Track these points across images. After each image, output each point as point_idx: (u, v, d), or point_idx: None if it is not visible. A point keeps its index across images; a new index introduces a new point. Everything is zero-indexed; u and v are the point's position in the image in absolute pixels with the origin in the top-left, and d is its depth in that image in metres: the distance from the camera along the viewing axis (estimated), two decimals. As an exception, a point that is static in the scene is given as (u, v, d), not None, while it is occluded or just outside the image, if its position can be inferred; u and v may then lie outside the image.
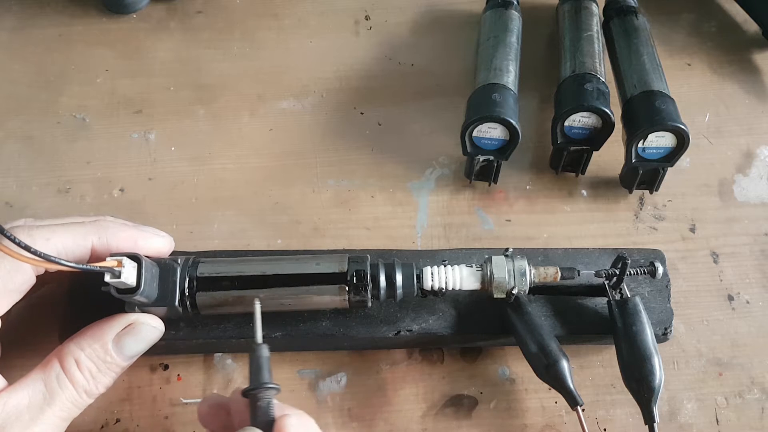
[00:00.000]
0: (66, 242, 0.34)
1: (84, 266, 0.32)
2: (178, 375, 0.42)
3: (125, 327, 0.35)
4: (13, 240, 0.29)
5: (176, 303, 0.36)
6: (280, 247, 0.47)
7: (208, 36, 0.58)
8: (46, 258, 0.30)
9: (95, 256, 0.35)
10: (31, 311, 0.34)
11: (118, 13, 0.59)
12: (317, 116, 0.54)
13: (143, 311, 0.37)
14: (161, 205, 0.48)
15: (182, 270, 0.37)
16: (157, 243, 0.38)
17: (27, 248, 0.30)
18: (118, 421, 0.40)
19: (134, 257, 0.34)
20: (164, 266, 0.37)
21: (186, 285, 0.37)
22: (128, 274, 0.33)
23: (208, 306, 0.38)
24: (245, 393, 0.33)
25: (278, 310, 0.39)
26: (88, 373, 0.33)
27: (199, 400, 0.40)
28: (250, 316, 0.40)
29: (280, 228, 0.48)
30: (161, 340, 0.38)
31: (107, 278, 0.33)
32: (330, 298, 0.38)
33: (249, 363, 0.34)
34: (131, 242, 0.36)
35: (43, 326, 0.41)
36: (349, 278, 0.37)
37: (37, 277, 0.35)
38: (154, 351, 0.40)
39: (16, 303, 0.34)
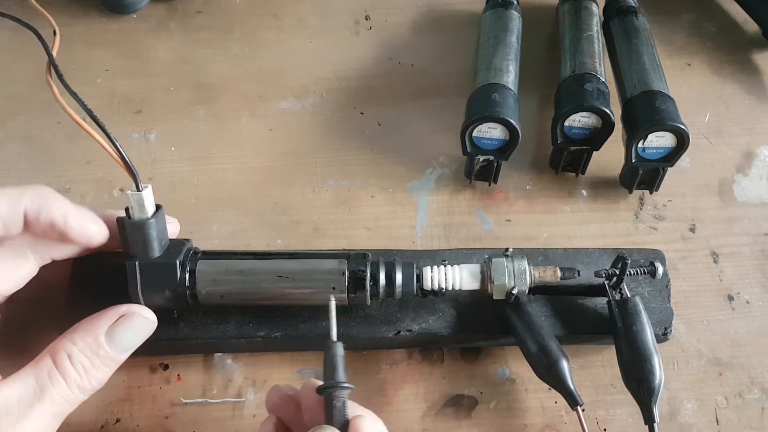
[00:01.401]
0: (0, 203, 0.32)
1: (125, 155, 0.34)
2: (178, 375, 0.42)
3: (117, 319, 0.35)
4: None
5: (178, 261, 0.37)
6: (280, 247, 0.47)
7: (208, 36, 0.58)
8: (102, 127, 0.32)
9: (28, 228, 0.34)
10: (31, 309, 0.34)
11: (118, 13, 0.59)
12: (317, 116, 0.54)
13: (143, 281, 0.36)
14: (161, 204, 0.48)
15: (189, 247, 0.39)
16: (88, 227, 0.35)
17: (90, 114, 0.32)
18: (118, 421, 0.40)
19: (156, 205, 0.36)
20: (175, 240, 0.38)
21: (191, 252, 0.38)
22: (149, 198, 0.35)
23: (208, 280, 0.37)
24: (320, 390, 0.32)
25: (278, 303, 0.39)
26: (81, 368, 0.33)
27: (199, 400, 0.41)
28: (250, 314, 0.41)
29: (280, 228, 0.48)
30: (161, 340, 0.38)
31: (129, 191, 0.35)
32: (329, 295, 0.38)
33: (324, 360, 0.33)
34: (60, 216, 0.34)
35: (43, 325, 0.41)
36: (349, 275, 0.38)
37: (40, 268, 0.35)
38: (154, 351, 0.40)
39: (18, 291, 0.34)
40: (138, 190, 0.35)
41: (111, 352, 0.34)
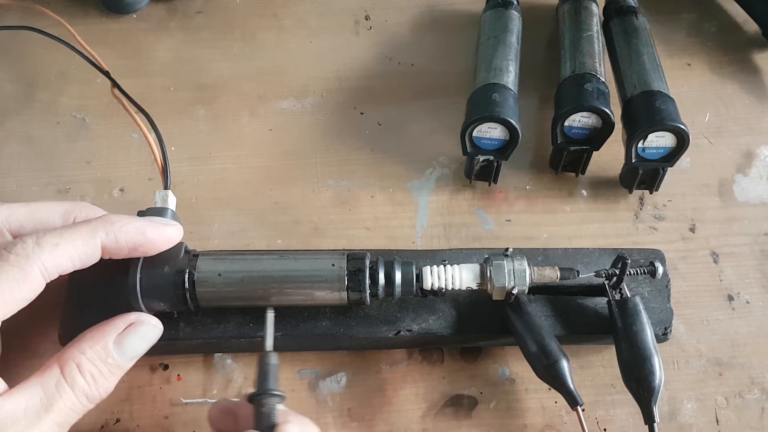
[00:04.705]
0: (76, 246, 0.34)
1: (167, 158, 0.42)
2: (178, 375, 0.42)
3: (126, 327, 0.35)
4: None
5: (181, 253, 0.38)
6: (280, 247, 0.47)
7: (208, 36, 0.58)
8: None
9: (106, 254, 0.35)
10: (31, 312, 0.34)
11: (118, 13, 0.59)
12: (317, 116, 0.54)
13: (144, 267, 0.37)
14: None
15: (189, 249, 0.39)
16: (167, 231, 0.37)
17: None
18: (118, 421, 0.40)
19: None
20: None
21: (191, 254, 0.39)
22: (172, 198, 0.40)
23: (208, 279, 0.37)
24: (250, 398, 0.33)
25: (277, 303, 0.39)
26: (90, 377, 0.33)
27: (199, 400, 0.41)
28: (250, 314, 0.41)
29: (280, 228, 0.48)
30: (161, 339, 0.38)
31: (158, 190, 0.40)
32: (329, 293, 0.38)
33: (257, 369, 0.34)
34: (140, 234, 0.36)
35: (43, 327, 0.41)
36: (348, 275, 0.38)
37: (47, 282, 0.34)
38: (154, 351, 0.40)
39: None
40: (166, 188, 0.41)
41: (119, 360, 0.34)
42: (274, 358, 0.35)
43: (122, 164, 0.50)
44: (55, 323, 0.40)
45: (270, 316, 0.36)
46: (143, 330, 0.36)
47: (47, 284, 0.33)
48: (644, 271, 0.40)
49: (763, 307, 0.45)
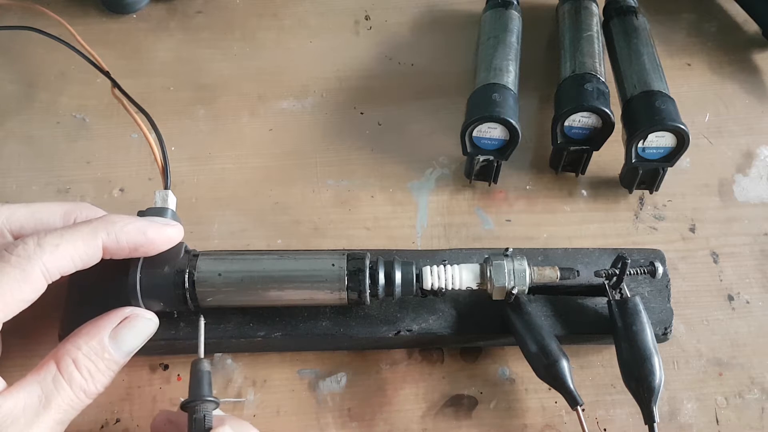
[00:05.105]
0: (77, 246, 0.33)
1: (167, 159, 0.42)
2: (178, 375, 0.42)
3: (121, 321, 0.35)
4: None
5: (181, 253, 0.38)
6: (280, 247, 0.47)
7: (208, 36, 0.58)
8: None
9: (107, 254, 0.35)
10: (31, 311, 0.34)
11: (118, 13, 0.59)
12: (317, 116, 0.54)
13: (144, 266, 0.37)
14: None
15: (189, 249, 0.39)
16: (168, 232, 0.37)
17: None
18: (118, 421, 0.40)
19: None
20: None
21: (191, 254, 0.39)
22: (172, 198, 0.41)
23: (207, 279, 0.37)
24: (183, 406, 0.34)
25: (278, 303, 0.39)
26: (86, 372, 0.33)
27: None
28: (250, 314, 0.41)
29: (280, 228, 0.48)
30: (161, 339, 0.38)
31: (158, 190, 0.40)
32: (329, 293, 0.38)
33: (189, 376, 0.35)
34: (140, 234, 0.36)
35: (44, 327, 0.41)
36: (348, 275, 0.38)
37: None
38: (154, 351, 0.40)
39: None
40: (166, 188, 0.41)
41: (115, 354, 0.34)
42: (206, 365, 0.35)
43: (122, 164, 0.50)
44: (56, 323, 0.40)
45: (201, 323, 0.36)
46: (138, 324, 0.36)
47: (48, 285, 0.33)
48: (644, 271, 0.40)
49: (763, 307, 0.45)
